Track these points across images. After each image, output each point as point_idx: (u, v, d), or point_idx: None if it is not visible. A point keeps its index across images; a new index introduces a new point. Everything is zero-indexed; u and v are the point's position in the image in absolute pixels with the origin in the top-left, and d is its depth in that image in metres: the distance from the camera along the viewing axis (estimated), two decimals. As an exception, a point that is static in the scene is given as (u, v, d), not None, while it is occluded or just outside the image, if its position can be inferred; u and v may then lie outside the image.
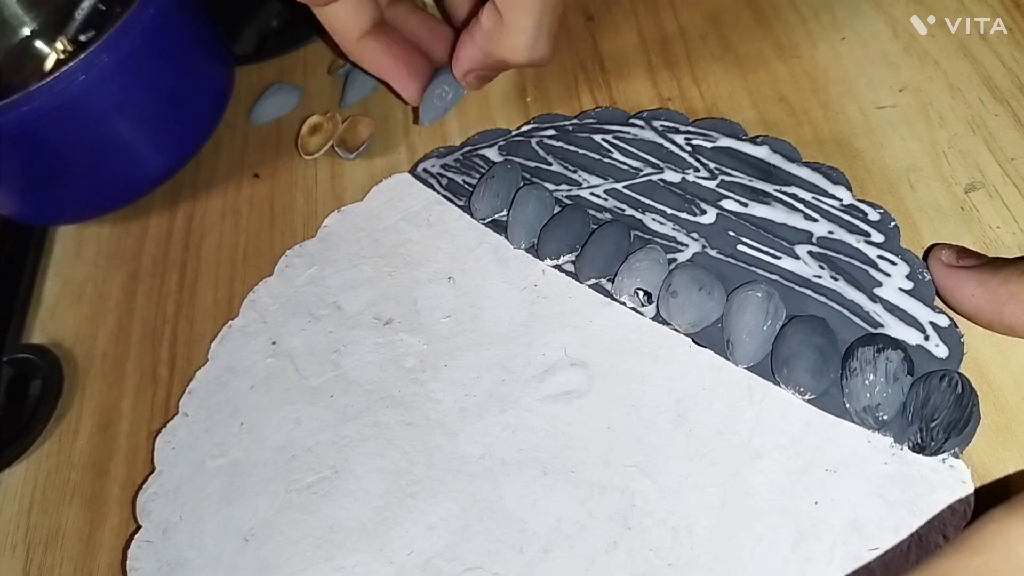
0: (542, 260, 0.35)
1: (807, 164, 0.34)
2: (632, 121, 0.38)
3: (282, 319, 0.38)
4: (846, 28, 0.38)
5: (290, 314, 0.38)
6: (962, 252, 0.30)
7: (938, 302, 0.30)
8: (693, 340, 0.31)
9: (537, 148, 0.38)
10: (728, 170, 0.35)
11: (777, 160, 0.34)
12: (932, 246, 0.31)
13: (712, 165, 0.35)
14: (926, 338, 0.29)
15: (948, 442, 0.27)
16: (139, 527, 0.34)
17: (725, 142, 0.35)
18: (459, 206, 0.38)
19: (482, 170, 0.39)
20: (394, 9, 0.42)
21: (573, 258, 0.35)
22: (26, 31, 0.49)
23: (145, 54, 0.42)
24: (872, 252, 0.31)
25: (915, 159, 0.33)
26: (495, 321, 0.34)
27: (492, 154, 0.39)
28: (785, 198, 0.33)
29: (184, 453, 0.36)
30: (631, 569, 0.28)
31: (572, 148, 0.38)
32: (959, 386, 0.27)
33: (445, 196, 0.39)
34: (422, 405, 0.33)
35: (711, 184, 0.34)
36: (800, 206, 0.33)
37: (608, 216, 0.35)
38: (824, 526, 0.27)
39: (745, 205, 0.33)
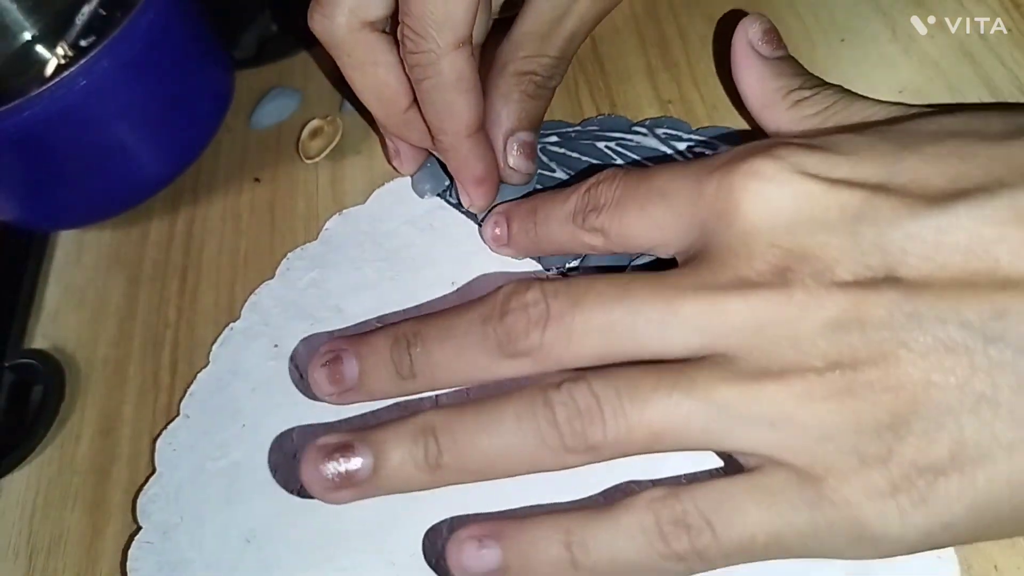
0: (546, 270, 0.35)
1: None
2: (635, 128, 0.38)
3: (284, 322, 0.38)
4: (845, 29, 0.38)
5: (292, 317, 0.38)
6: (773, 36, 0.32)
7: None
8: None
9: (540, 155, 0.38)
10: (729, 175, 0.34)
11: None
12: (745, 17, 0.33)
13: (714, 171, 0.35)
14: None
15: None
16: (139, 528, 0.34)
17: (727, 150, 0.35)
18: (463, 211, 0.38)
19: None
20: None
21: (576, 264, 0.35)
22: (26, 36, 0.49)
23: (145, 59, 0.42)
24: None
25: (915, 161, 0.33)
26: (497, 324, 0.34)
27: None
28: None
29: (185, 455, 0.35)
30: (633, 571, 0.28)
31: (575, 155, 0.38)
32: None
33: (449, 202, 0.39)
34: (424, 407, 0.33)
35: (713, 189, 0.34)
36: (801, 209, 0.33)
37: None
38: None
39: (746, 208, 0.33)
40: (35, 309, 0.45)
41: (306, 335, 0.37)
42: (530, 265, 0.35)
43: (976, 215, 0.23)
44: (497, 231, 0.35)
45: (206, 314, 0.41)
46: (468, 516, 0.30)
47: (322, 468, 0.26)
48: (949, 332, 0.22)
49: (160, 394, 0.39)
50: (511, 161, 0.36)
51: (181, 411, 0.37)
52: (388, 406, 0.33)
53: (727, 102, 0.38)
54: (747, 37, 0.32)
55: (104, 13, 0.47)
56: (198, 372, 0.38)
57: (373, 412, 0.33)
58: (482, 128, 0.34)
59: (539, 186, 0.37)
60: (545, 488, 0.30)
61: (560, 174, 0.37)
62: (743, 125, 0.36)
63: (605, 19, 0.43)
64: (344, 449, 0.26)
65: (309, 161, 0.44)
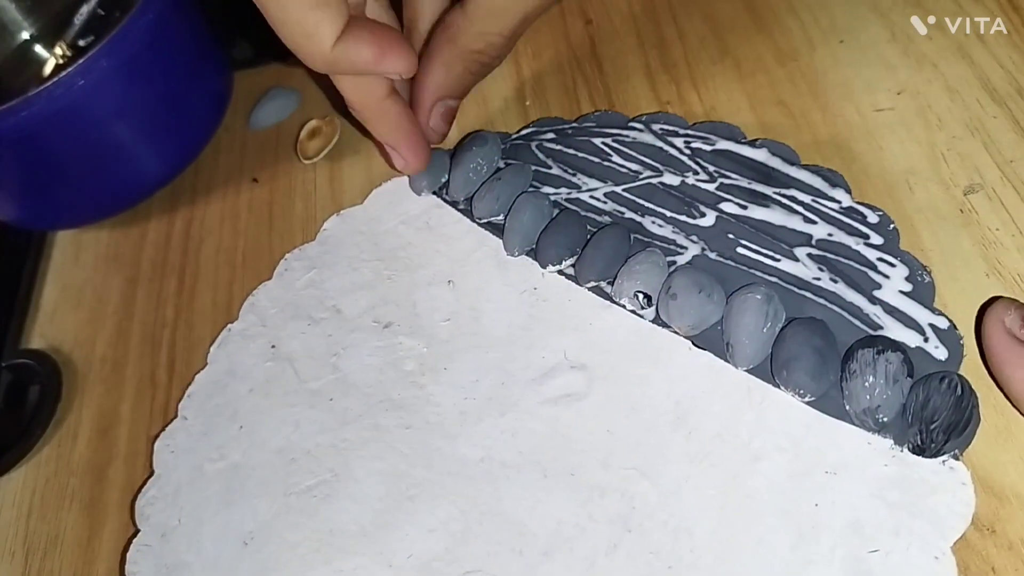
0: (543, 268, 0.35)
1: (806, 167, 0.34)
2: (631, 124, 0.38)
3: (281, 322, 0.38)
4: (844, 31, 0.38)
5: (289, 317, 0.38)
6: None
7: (938, 305, 0.30)
8: (693, 342, 0.31)
9: (537, 151, 0.38)
10: (727, 173, 0.35)
11: (776, 163, 0.34)
12: (994, 299, 0.28)
13: (711, 168, 0.35)
14: (925, 340, 0.29)
15: (948, 444, 0.27)
16: (137, 531, 0.34)
17: (724, 145, 0.35)
18: (459, 208, 0.38)
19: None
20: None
21: (573, 262, 0.34)
22: (25, 36, 0.49)
23: (144, 59, 0.42)
24: (871, 254, 0.31)
25: (914, 162, 0.33)
26: (495, 324, 0.34)
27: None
28: (784, 201, 0.33)
29: (183, 457, 0.35)
30: (631, 571, 0.28)
31: (571, 151, 0.38)
32: (959, 388, 0.27)
33: (445, 199, 0.39)
34: (422, 408, 0.33)
35: (710, 187, 0.34)
36: (799, 208, 0.33)
37: (608, 219, 0.35)
38: (824, 528, 0.27)
39: (744, 208, 0.33)
40: (32, 309, 0.45)
41: (304, 335, 0.37)
42: (527, 264, 0.35)
43: None
44: None
45: (204, 314, 0.41)
46: (467, 519, 0.30)
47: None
48: None
49: (157, 394, 0.39)
50: (432, 122, 0.38)
51: (179, 413, 0.37)
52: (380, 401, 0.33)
53: (725, 103, 0.38)
54: (1005, 326, 0.28)
55: (103, 13, 0.47)
56: (196, 373, 0.38)
57: (371, 419, 0.34)
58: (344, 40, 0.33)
59: (535, 183, 0.37)
60: (543, 489, 0.30)
61: (556, 171, 0.37)
62: (741, 125, 0.36)
63: (604, 19, 0.43)
64: None
65: (307, 161, 0.44)
